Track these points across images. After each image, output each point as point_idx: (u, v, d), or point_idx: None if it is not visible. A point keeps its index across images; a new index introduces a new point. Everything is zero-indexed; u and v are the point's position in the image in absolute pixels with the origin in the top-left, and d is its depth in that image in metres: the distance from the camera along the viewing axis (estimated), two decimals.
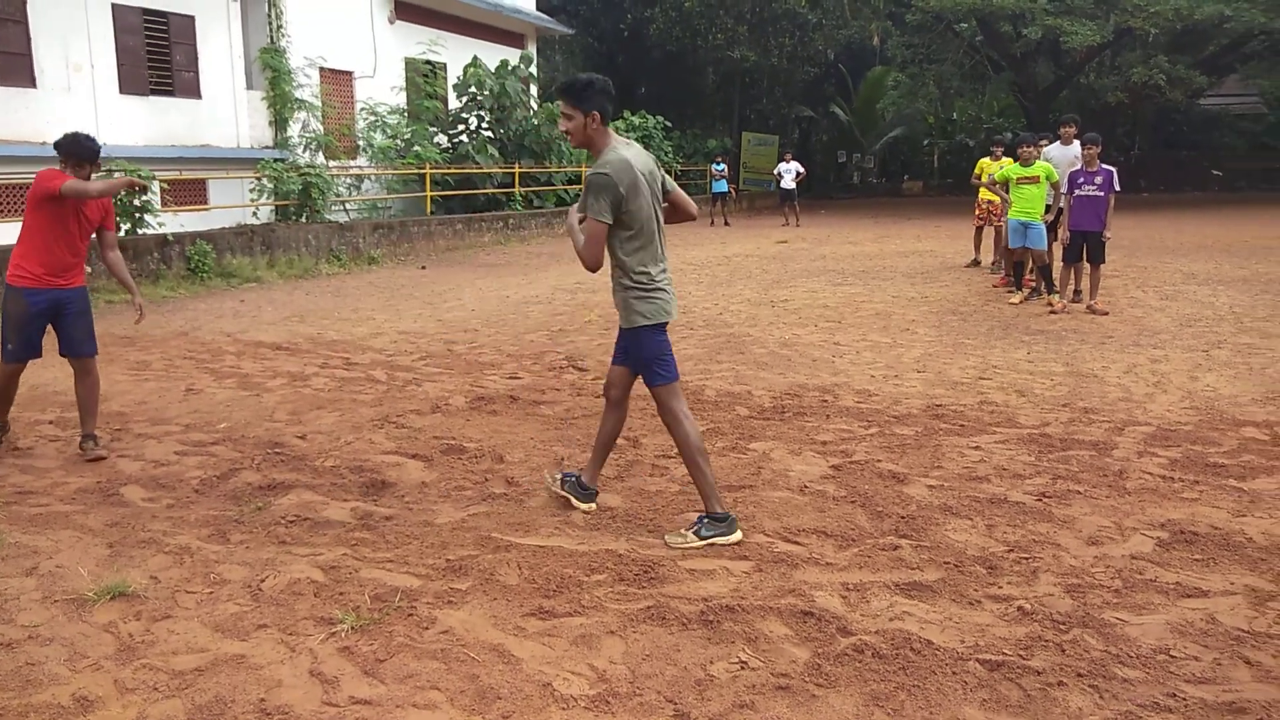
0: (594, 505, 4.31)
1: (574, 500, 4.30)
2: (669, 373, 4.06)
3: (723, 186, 24.84)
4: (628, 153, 3.88)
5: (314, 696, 2.79)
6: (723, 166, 25.02)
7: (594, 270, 3.92)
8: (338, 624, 3.20)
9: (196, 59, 16.56)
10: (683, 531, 3.97)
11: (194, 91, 16.60)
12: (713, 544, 3.88)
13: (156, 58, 15.87)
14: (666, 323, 4.04)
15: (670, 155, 28.73)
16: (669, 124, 28.56)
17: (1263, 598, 3.38)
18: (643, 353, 4.04)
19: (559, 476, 4.43)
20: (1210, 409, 5.92)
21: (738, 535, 3.94)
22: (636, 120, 27.09)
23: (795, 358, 7.64)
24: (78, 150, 5.00)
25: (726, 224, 24.56)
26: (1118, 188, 9.50)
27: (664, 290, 4.00)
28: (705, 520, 3.95)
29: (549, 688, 2.82)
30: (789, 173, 23.90)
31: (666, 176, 4.13)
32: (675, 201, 4.20)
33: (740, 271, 13.92)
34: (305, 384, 6.85)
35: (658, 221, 4.00)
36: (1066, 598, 3.38)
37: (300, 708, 2.73)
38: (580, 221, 3.95)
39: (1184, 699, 2.75)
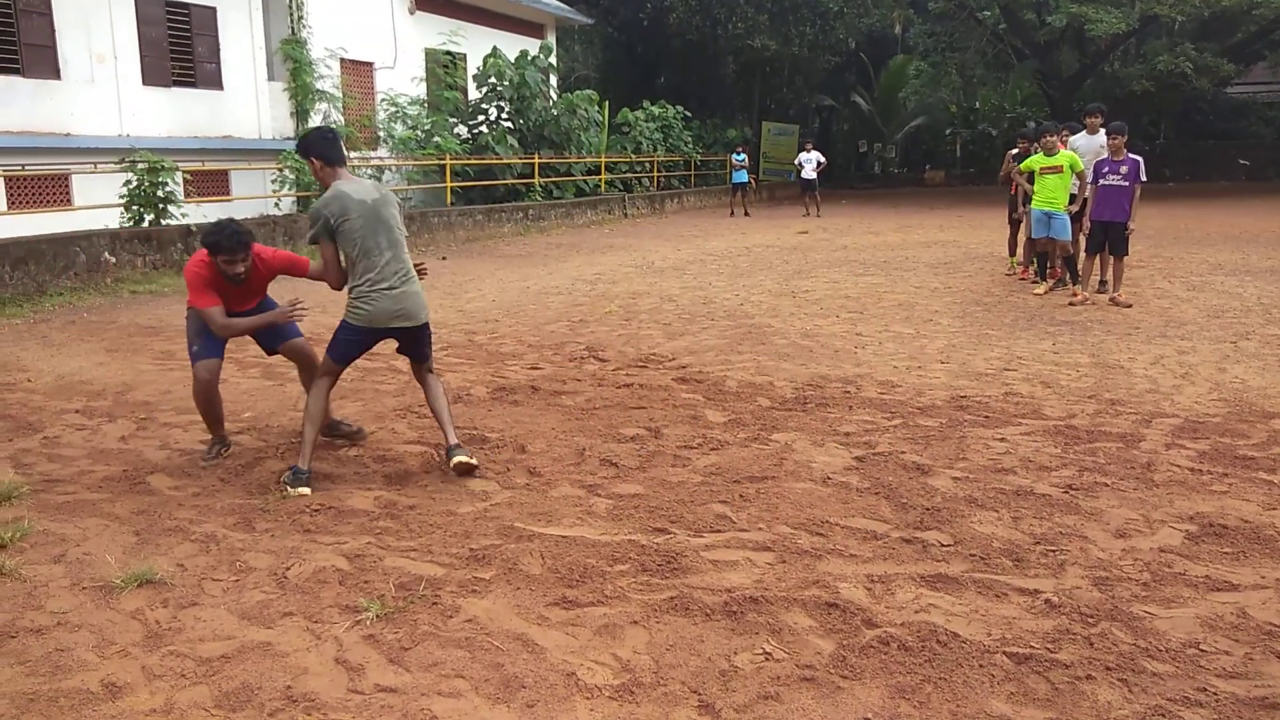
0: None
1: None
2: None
3: (743, 177, 24.74)
4: (346, 187, 4.60)
5: (340, 684, 2.80)
6: (743, 156, 24.91)
7: (337, 288, 4.75)
8: (363, 612, 3.21)
9: (218, 50, 16.64)
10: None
11: (216, 83, 16.68)
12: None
13: (179, 49, 15.95)
14: (364, 326, 4.62)
15: (690, 145, 28.64)
16: (688, 114, 28.47)
17: None
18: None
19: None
20: (1239, 401, 5.85)
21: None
22: (656, 110, 27.01)
23: (817, 348, 7.60)
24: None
25: (746, 214, 24.47)
26: (1144, 178, 9.38)
27: (372, 298, 4.55)
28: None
29: (573, 677, 2.82)
30: (810, 162, 23.76)
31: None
32: None
33: (761, 262, 13.86)
34: None
35: (387, 239, 4.62)
36: (1094, 590, 3.34)
37: (326, 695, 2.74)
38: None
39: (1215, 694, 2.72)
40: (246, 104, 17.20)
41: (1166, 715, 2.62)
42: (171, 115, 15.83)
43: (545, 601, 3.30)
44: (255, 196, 15.69)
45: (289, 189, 15.40)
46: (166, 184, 12.53)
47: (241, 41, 17.01)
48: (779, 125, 35.02)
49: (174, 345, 7.99)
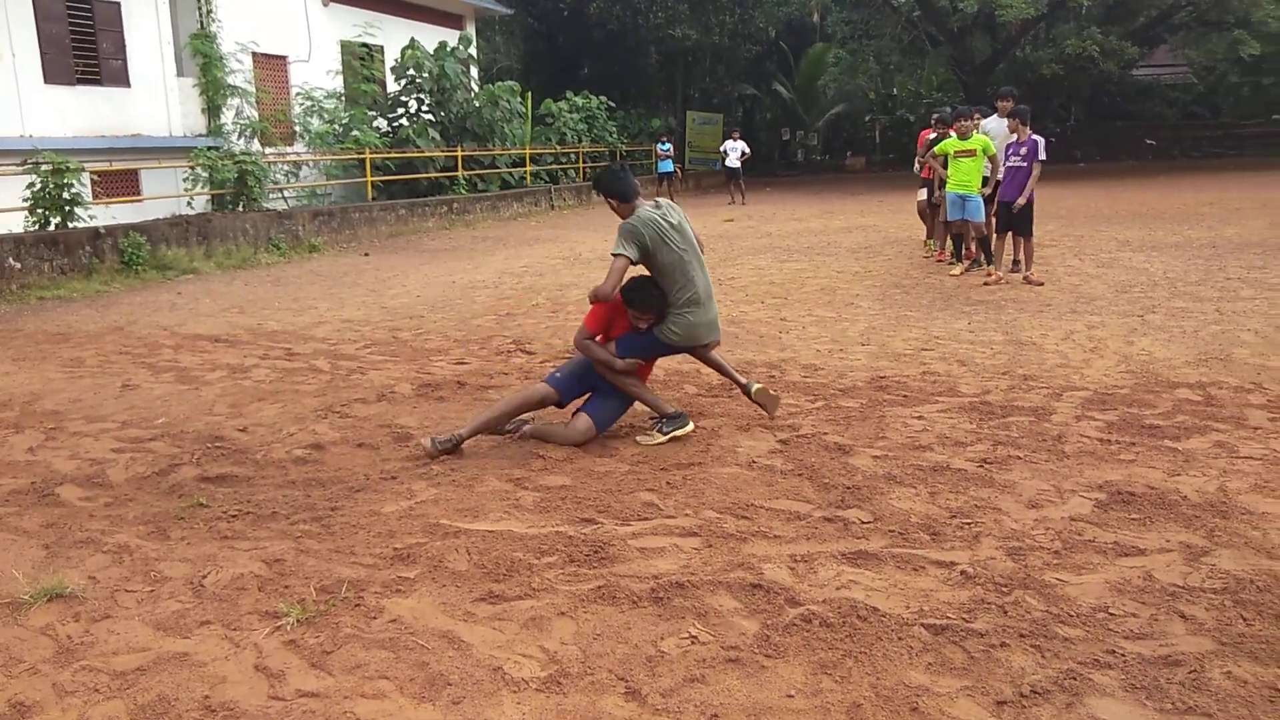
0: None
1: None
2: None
3: (668, 166, 24.81)
4: (653, 212, 5.01)
5: (260, 691, 2.75)
6: (668, 146, 24.98)
7: (606, 299, 4.91)
8: (283, 617, 3.15)
9: (124, 46, 16.08)
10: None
11: (122, 80, 16.12)
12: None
13: (82, 46, 15.38)
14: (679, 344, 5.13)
15: (615, 135, 28.59)
16: (612, 104, 28.41)
17: (1197, 553, 3.48)
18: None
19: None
20: (1145, 372, 6.07)
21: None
22: (579, 101, 26.89)
23: (743, 334, 7.68)
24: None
25: None
26: (1043, 156, 9.64)
27: (691, 321, 5.02)
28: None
29: (500, 671, 2.81)
30: (735, 151, 23.92)
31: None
32: None
33: None
34: (245, 376, 6.73)
35: (697, 260, 5.10)
36: (1008, 560, 3.44)
37: (246, 703, 2.69)
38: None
39: (1122, 655, 2.82)
40: (155, 101, 16.66)
41: (1077, 678, 2.71)
42: (76, 114, 15.26)
43: (471, 597, 3.28)
44: (167, 196, 15.22)
45: (202, 187, 14.99)
46: (72, 185, 12.08)
47: (148, 37, 16.46)
48: (703, 114, 35.19)
49: (83, 352, 7.73)
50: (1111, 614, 3.06)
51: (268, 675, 2.82)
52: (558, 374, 5.14)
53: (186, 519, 4.07)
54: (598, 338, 5.06)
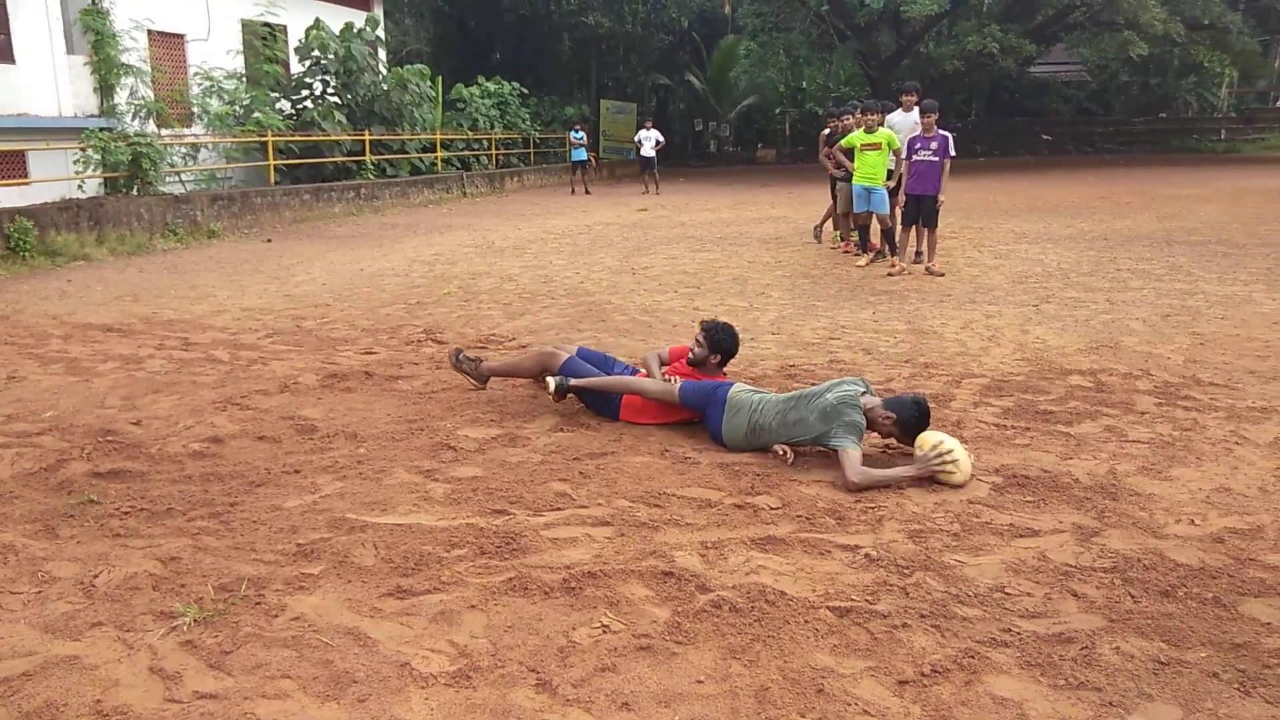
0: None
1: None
2: None
3: (582, 155, 24.71)
4: None
5: (155, 694, 2.65)
6: (582, 135, 24.87)
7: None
8: (179, 617, 3.04)
9: (8, 21, 15.25)
10: None
11: (7, 56, 15.30)
12: None
13: None
14: None
15: (528, 123, 28.33)
16: (525, 90, 28.13)
17: (1088, 534, 3.62)
18: None
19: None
20: (1040, 360, 6.30)
21: None
22: (492, 87, 26.56)
23: (656, 324, 7.70)
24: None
25: (587, 192, 24.48)
26: (953, 152, 9.91)
27: None
28: None
29: (407, 667, 2.77)
30: (649, 140, 23.95)
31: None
32: None
33: (601, 240, 13.90)
34: (139, 367, 6.47)
35: None
36: (909, 543, 3.54)
37: (140, 706, 2.59)
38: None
39: (1018, 633, 2.92)
40: (43, 79, 15.84)
41: (975, 656, 2.80)
42: None
43: (378, 593, 3.22)
44: (56, 179, 14.51)
45: (94, 170, 14.33)
46: None
47: (34, 11, 15.63)
48: (617, 103, 35.12)
49: None
50: (1008, 593, 3.17)
51: (163, 677, 2.73)
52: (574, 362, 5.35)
53: (76, 516, 3.90)
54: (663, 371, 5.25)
